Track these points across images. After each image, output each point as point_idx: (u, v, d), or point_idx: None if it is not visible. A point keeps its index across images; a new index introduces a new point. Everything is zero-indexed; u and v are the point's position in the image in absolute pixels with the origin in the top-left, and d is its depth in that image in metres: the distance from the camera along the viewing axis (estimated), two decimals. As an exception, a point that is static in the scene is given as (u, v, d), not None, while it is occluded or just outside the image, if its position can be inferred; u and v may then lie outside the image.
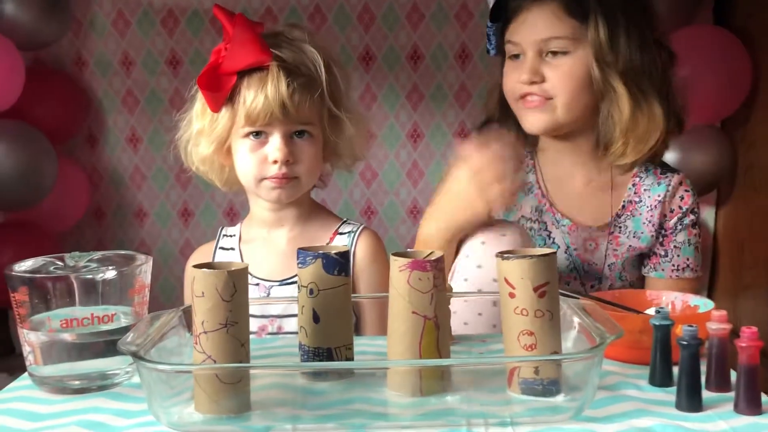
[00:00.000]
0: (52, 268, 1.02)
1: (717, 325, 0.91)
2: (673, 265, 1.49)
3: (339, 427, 0.84)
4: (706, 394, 0.89)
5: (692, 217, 1.51)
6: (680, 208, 1.49)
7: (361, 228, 1.42)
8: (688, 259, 1.50)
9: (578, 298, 1.01)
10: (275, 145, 1.33)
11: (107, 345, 0.98)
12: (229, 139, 1.36)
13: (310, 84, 1.33)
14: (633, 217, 1.49)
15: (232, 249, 1.44)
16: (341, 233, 1.42)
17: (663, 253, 1.50)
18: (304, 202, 1.42)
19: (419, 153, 2.39)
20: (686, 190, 1.50)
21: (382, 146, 2.39)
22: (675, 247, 1.49)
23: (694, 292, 1.46)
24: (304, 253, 0.96)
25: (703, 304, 1.09)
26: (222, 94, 1.33)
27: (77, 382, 0.98)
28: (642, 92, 1.41)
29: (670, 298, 1.12)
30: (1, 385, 1.02)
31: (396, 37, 2.35)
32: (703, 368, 0.92)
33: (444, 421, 0.84)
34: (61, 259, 1.04)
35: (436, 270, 0.89)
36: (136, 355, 0.84)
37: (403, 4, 2.34)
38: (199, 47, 2.36)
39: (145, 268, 1.04)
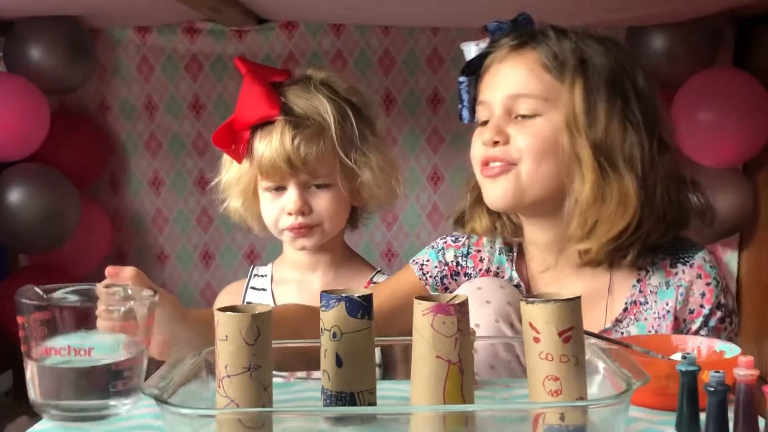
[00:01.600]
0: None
1: (744, 371, 0.90)
2: None
3: (362, 473, 0.83)
4: (735, 442, 0.88)
5: (720, 313, 1.25)
6: (702, 307, 1.25)
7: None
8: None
9: (604, 343, 1.00)
10: (290, 197, 1.35)
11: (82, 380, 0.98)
12: (257, 188, 1.40)
13: (317, 135, 1.34)
14: (637, 321, 1.27)
15: (264, 290, 1.45)
16: (375, 282, 1.42)
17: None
18: (337, 248, 1.42)
19: (439, 195, 2.39)
20: (707, 284, 1.25)
21: (403, 189, 2.39)
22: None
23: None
24: (327, 296, 0.95)
25: (729, 349, 1.08)
26: (241, 147, 1.35)
27: (56, 412, 0.98)
28: (613, 168, 1.20)
29: (696, 344, 1.11)
30: (22, 429, 1.02)
31: (416, 81, 2.37)
32: (731, 415, 0.90)
33: (468, 468, 0.83)
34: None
35: (460, 314, 0.89)
36: (159, 399, 0.84)
37: (423, 48, 2.36)
38: (222, 92, 2.38)
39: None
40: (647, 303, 1.27)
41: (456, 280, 1.38)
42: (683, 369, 0.93)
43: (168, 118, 2.42)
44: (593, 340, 1.01)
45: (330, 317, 0.95)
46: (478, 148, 1.27)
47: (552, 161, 1.22)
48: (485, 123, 1.28)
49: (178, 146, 2.42)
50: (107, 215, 2.44)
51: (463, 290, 1.26)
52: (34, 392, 0.99)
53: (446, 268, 1.38)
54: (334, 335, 0.95)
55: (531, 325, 0.89)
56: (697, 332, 1.24)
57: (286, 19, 2.34)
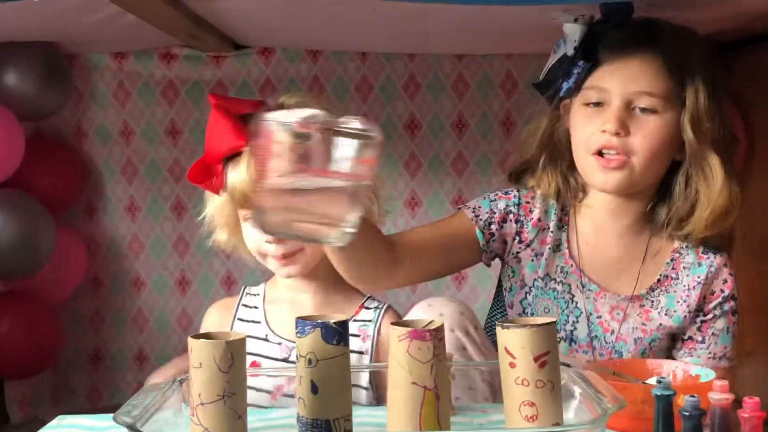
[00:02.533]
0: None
1: (719, 396, 0.91)
2: (710, 353, 1.41)
3: (338, 501, 0.82)
4: (711, 466, 0.88)
5: (733, 303, 1.42)
6: (722, 291, 1.41)
7: (386, 305, 1.44)
8: (725, 348, 1.41)
9: (580, 368, 1.00)
10: None
11: None
12: (238, 219, 1.40)
13: None
14: (667, 293, 1.42)
15: (256, 308, 1.45)
16: (367, 308, 1.43)
17: (700, 338, 1.41)
18: (325, 272, 1.41)
19: (417, 220, 2.39)
20: (730, 274, 1.42)
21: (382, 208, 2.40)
22: (713, 334, 1.41)
23: (730, 381, 1.36)
24: (302, 323, 0.95)
25: (704, 373, 1.08)
26: (217, 180, 1.36)
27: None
28: (730, 166, 1.36)
29: (671, 368, 1.12)
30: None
31: (393, 106, 2.38)
32: (707, 439, 0.91)
33: (445, 495, 0.83)
34: None
35: (436, 339, 0.89)
36: (132, 428, 0.83)
37: (400, 74, 2.37)
38: (199, 117, 2.38)
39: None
40: (678, 278, 1.41)
41: (503, 227, 1.43)
42: (658, 393, 0.94)
43: (144, 143, 2.41)
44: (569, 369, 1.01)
45: (305, 343, 0.94)
46: (595, 133, 1.35)
47: (663, 157, 1.36)
48: (596, 105, 1.36)
49: (154, 172, 2.41)
50: (83, 241, 2.42)
51: (417, 310, 1.31)
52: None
53: (495, 215, 1.43)
54: (310, 362, 0.94)
55: (506, 350, 0.89)
56: (713, 312, 1.40)
57: (263, 45, 2.34)
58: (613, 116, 1.33)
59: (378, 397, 1.37)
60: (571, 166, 1.43)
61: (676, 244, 1.43)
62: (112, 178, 2.43)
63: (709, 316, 1.41)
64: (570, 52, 1.39)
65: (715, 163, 1.34)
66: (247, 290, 1.50)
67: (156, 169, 2.40)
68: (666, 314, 1.41)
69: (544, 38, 1.48)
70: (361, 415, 1.04)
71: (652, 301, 1.42)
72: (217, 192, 1.38)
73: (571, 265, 1.43)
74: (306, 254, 1.37)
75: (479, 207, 1.45)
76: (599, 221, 1.43)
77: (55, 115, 2.37)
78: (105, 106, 2.40)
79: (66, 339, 2.37)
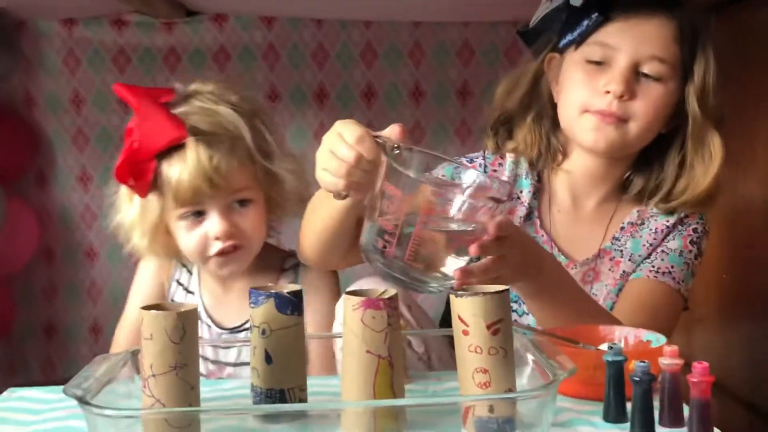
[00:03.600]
0: None
1: (669, 361, 0.92)
2: (653, 266, 1.34)
3: (292, 470, 0.82)
4: (660, 430, 0.90)
5: (693, 234, 1.36)
6: (689, 236, 1.36)
7: (301, 264, 1.38)
8: (672, 267, 1.34)
9: (532, 335, 1.01)
10: (214, 221, 1.28)
11: None
12: (165, 221, 1.30)
13: (233, 148, 1.26)
14: (633, 238, 1.37)
15: (192, 293, 1.41)
16: (285, 269, 1.39)
17: (647, 254, 1.36)
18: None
19: None
20: (700, 222, 1.37)
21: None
22: (663, 251, 1.35)
23: (672, 310, 1.34)
24: (256, 293, 0.94)
25: (655, 339, 1.10)
26: (146, 181, 1.26)
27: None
28: (720, 132, 1.31)
29: (623, 334, 1.13)
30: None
31: (350, 75, 2.37)
32: (657, 404, 0.92)
33: (398, 462, 0.83)
34: None
35: (390, 308, 0.89)
36: (81, 400, 0.82)
37: (357, 42, 2.35)
38: (151, 85, 2.34)
39: None
40: (644, 224, 1.37)
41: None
42: (610, 359, 0.95)
43: (95, 112, 2.36)
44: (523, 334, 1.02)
45: (259, 314, 0.94)
46: (596, 94, 1.29)
47: (658, 127, 1.32)
48: (597, 63, 1.30)
49: (106, 140, 2.36)
50: (34, 212, 2.38)
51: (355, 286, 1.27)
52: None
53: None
54: (263, 332, 0.94)
55: (460, 318, 0.89)
56: (668, 234, 1.35)
57: (216, 12, 2.31)
58: (620, 77, 1.27)
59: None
60: (554, 125, 1.38)
61: (651, 210, 1.38)
62: (64, 147, 2.39)
63: (663, 237, 1.36)
64: (577, 2, 1.32)
65: (716, 140, 1.30)
66: (180, 266, 1.43)
67: (108, 137, 2.37)
68: (630, 260, 1.36)
69: (502, 5, 1.46)
70: (315, 385, 1.04)
71: (621, 251, 1.37)
72: (143, 193, 1.27)
73: (542, 235, 1.38)
74: (252, 248, 1.32)
75: (443, 175, 1.35)
76: (577, 186, 1.39)
77: (3, 83, 2.32)
78: (55, 73, 2.35)
79: (19, 311, 2.34)
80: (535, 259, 1.11)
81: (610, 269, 1.37)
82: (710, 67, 1.30)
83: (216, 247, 1.29)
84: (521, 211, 1.39)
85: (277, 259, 1.41)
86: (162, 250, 1.35)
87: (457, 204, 0.95)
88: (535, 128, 1.38)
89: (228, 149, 1.26)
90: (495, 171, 1.40)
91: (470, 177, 1.00)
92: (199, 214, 1.29)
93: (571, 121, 1.33)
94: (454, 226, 0.96)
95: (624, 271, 1.36)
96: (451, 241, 0.98)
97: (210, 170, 1.23)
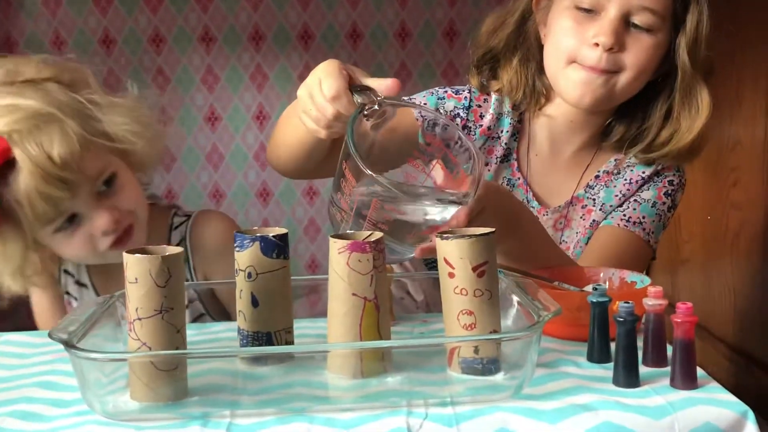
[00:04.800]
0: None
1: (653, 301, 0.93)
2: (624, 215, 1.34)
3: (279, 411, 0.83)
4: (644, 370, 0.91)
5: (668, 186, 1.36)
6: (664, 187, 1.37)
7: (194, 215, 1.32)
8: (644, 217, 1.34)
9: (517, 276, 1.01)
10: (92, 217, 1.17)
11: None
12: (32, 247, 1.17)
13: (65, 135, 1.10)
14: (606, 187, 1.37)
15: (85, 286, 1.33)
16: (174, 226, 1.33)
17: (618, 203, 1.36)
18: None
19: (266, 135, 2.38)
20: (677, 175, 1.38)
21: (227, 129, 2.39)
22: (635, 200, 1.35)
23: (639, 261, 1.35)
24: (241, 236, 0.94)
25: (640, 280, 1.10)
26: None
27: None
28: (708, 84, 1.29)
29: (607, 275, 1.14)
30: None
31: (335, 15, 2.34)
32: (641, 344, 0.93)
33: (384, 403, 0.84)
34: None
35: (376, 251, 0.89)
36: (67, 344, 0.82)
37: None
38: (133, 26, 2.31)
39: None
40: (620, 174, 1.36)
41: (446, 130, 1.26)
42: (594, 300, 0.95)
43: (77, 53, 2.33)
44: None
45: (244, 257, 0.94)
46: (584, 46, 1.26)
47: (646, 79, 1.29)
48: (586, 11, 1.26)
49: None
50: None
51: None
52: None
53: None
54: (249, 275, 0.94)
55: (446, 260, 0.89)
56: (642, 185, 1.35)
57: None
58: (610, 28, 1.24)
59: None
60: (540, 69, 1.36)
61: (629, 160, 1.37)
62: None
63: (637, 187, 1.36)
64: None
65: (704, 94, 1.29)
66: None
67: (90, 80, 2.34)
68: (601, 209, 1.36)
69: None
70: (302, 327, 1.05)
71: (593, 199, 1.37)
72: None
73: (518, 178, 1.38)
74: (140, 219, 1.22)
75: (425, 104, 1.37)
76: (557, 132, 1.38)
77: (-19, 25, 2.28)
78: (35, 14, 2.31)
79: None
80: (512, 220, 1.11)
81: (581, 217, 1.37)
82: (704, 19, 1.27)
83: (107, 241, 1.18)
84: (499, 151, 1.38)
85: (163, 219, 1.32)
86: (43, 278, 1.25)
87: (411, 210, 0.96)
88: (521, 71, 1.36)
89: (60, 139, 1.09)
90: (479, 106, 1.38)
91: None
92: (72, 218, 1.17)
93: (557, 70, 1.30)
94: (409, 221, 0.97)
95: (594, 220, 1.36)
96: (407, 231, 0.99)
97: (56, 171, 1.08)
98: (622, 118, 1.36)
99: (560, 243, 1.37)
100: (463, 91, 1.40)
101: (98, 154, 1.16)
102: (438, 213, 0.97)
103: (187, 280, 1.27)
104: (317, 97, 1.04)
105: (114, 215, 1.17)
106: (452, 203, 0.97)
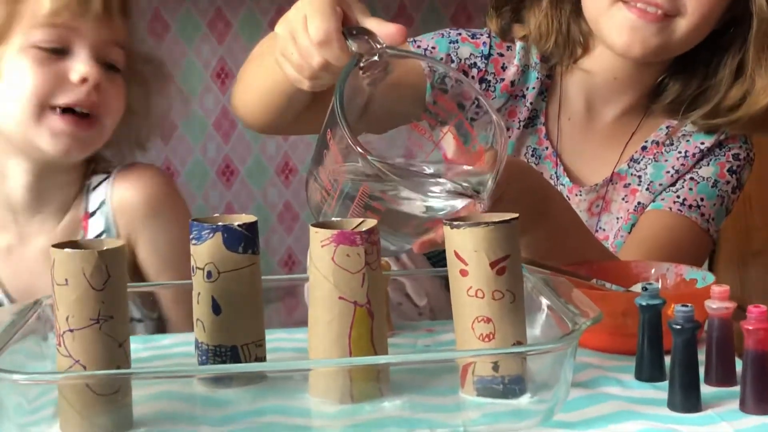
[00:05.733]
0: None
1: (718, 304, 0.93)
2: (678, 196, 1.35)
3: (247, 445, 0.83)
4: (706, 390, 0.91)
5: (733, 161, 1.37)
6: (728, 162, 1.38)
7: (115, 171, 1.31)
8: (702, 199, 1.35)
9: (546, 274, 1.01)
10: (82, 58, 1.23)
11: None
12: None
13: None
14: (655, 162, 1.38)
15: None
16: (93, 188, 1.32)
17: (671, 182, 1.37)
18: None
19: (229, 98, 2.40)
20: (744, 144, 1.39)
21: (180, 90, 2.40)
22: (691, 179, 1.36)
23: (697, 254, 1.35)
24: (199, 226, 0.94)
25: (701, 277, 1.10)
26: None
27: None
28: None
29: (660, 271, 1.14)
30: None
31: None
32: (702, 357, 0.93)
33: (381, 433, 0.84)
34: None
35: (368, 244, 0.89)
36: (-19, 363, 0.82)
37: None
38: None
39: None
40: (673, 145, 1.38)
41: (460, 86, 1.25)
42: (643, 303, 0.95)
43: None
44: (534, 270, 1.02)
45: (203, 252, 0.94)
46: None
47: (710, 24, 1.30)
48: None
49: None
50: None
51: None
52: None
53: (454, 65, 1.35)
54: (209, 275, 0.94)
55: (456, 254, 0.89)
56: (701, 159, 1.37)
57: None
58: None
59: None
60: (577, 11, 1.35)
61: (685, 127, 1.39)
62: None
63: (695, 163, 1.37)
64: None
65: None
66: None
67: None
68: (648, 189, 1.37)
69: None
70: (276, 339, 1.05)
71: (639, 177, 1.38)
72: None
73: (546, 147, 1.38)
74: (104, 130, 1.26)
75: (433, 48, 1.36)
76: (595, 91, 1.39)
77: None
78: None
79: None
80: (540, 205, 1.11)
81: (623, 198, 1.38)
82: None
83: (71, 96, 1.22)
84: (523, 113, 1.38)
85: (76, 176, 1.32)
86: None
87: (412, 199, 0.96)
88: (552, 14, 1.35)
89: None
90: (501, 55, 1.38)
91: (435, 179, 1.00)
92: (60, 53, 1.23)
93: (599, 11, 1.30)
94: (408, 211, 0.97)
95: (640, 203, 1.36)
96: (404, 223, 0.98)
97: None
98: (679, 74, 1.36)
99: (596, 231, 1.37)
100: (482, 35, 1.39)
101: (125, 33, 1.26)
102: (446, 204, 0.97)
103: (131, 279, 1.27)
104: (301, 39, 1.01)
105: (97, 77, 1.22)
106: (464, 196, 0.96)
